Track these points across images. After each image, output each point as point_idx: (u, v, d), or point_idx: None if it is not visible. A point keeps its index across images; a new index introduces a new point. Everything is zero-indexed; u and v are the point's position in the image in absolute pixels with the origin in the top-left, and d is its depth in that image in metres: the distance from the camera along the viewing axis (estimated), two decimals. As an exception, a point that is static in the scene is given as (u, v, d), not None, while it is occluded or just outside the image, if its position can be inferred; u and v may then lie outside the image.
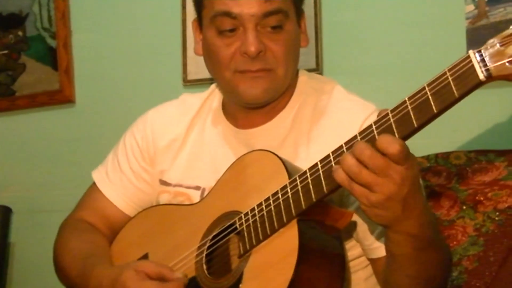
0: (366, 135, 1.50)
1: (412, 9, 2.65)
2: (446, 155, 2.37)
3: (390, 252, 1.66)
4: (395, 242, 1.61)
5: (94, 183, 2.14)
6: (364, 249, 1.82)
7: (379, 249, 1.77)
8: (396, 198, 1.49)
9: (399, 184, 1.48)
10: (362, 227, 1.78)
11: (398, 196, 1.49)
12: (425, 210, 1.58)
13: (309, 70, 2.09)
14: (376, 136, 1.48)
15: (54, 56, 3.19)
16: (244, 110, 1.96)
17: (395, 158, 1.45)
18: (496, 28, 2.46)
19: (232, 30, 1.86)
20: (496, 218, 2.19)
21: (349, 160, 1.49)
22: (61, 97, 3.19)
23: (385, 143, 1.45)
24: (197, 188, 1.97)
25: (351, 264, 1.86)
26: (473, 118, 2.50)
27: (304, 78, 1.98)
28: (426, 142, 2.33)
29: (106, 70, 3.15)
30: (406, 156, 1.46)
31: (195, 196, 1.95)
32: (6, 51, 3.28)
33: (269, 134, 1.94)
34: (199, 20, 1.96)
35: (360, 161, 1.47)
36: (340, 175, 1.51)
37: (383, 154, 1.46)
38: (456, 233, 2.23)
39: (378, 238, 1.76)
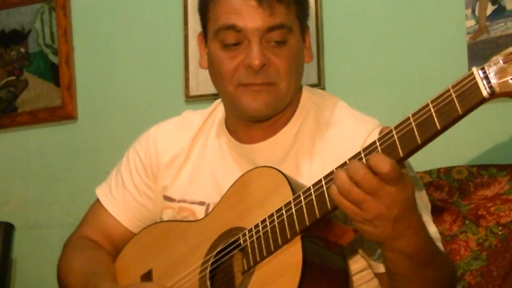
0: (370, 151, 1.51)
1: (414, 24, 2.65)
2: (448, 170, 2.37)
3: (388, 270, 1.67)
4: (389, 259, 1.61)
5: (97, 200, 2.14)
6: (369, 264, 1.82)
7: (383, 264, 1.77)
8: (385, 218, 1.50)
9: (389, 205, 1.49)
10: (368, 242, 1.78)
11: (388, 216, 1.50)
12: (420, 230, 1.58)
13: (311, 85, 2.10)
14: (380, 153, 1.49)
15: (56, 72, 3.19)
16: (246, 125, 1.97)
17: (386, 177, 1.46)
18: (496, 43, 2.47)
19: (236, 44, 1.87)
20: (499, 233, 2.19)
21: (341, 176, 1.50)
22: (63, 113, 3.19)
23: (377, 162, 1.46)
24: (202, 203, 1.97)
25: (354, 278, 1.85)
26: (475, 132, 2.50)
27: (307, 94, 1.99)
28: (428, 157, 2.33)
29: (108, 86, 3.16)
30: (397, 177, 1.47)
31: (199, 212, 1.96)
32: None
33: (271, 149, 1.94)
34: (204, 33, 1.97)
35: (353, 180, 1.48)
36: (332, 191, 1.52)
37: (375, 172, 1.47)
38: (458, 247, 2.23)
39: None
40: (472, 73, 1.38)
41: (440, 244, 1.80)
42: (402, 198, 1.49)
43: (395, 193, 1.48)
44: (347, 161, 1.55)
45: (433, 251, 1.65)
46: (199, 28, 2.01)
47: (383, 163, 1.45)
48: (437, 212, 2.27)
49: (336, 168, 1.57)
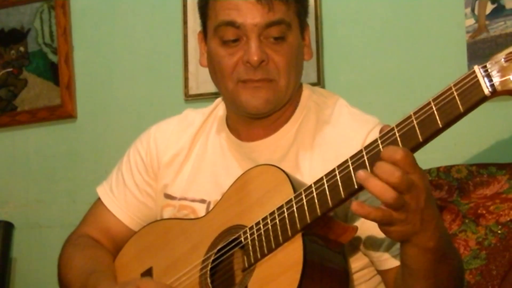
0: (372, 149, 1.51)
1: (413, 23, 2.66)
2: (447, 169, 2.37)
3: (406, 266, 1.63)
4: (413, 256, 1.58)
5: (98, 199, 2.15)
6: (373, 261, 1.82)
7: (389, 261, 1.76)
8: (415, 212, 1.47)
9: (417, 197, 1.46)
10: (370, 240, 1.78)
11: (417, 209, 1.47)
12: (440, 223, 1.56)
13: (310, 84, 2.10)
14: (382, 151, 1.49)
15: (56, 72, 3.20)
16: (246, 123, 1.97)
17: (403, 164, 1.44)
18: (496, 42, 2.47)
19: (235, 40, 1.88)
20: (498, 232, 2.19)
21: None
22: (62, 112, 3.20)
23: (390, 152, 1.44)
24: (202, 201, 1.97)
25: (354, 277, 1.86)
26: (474, 131, 2.51)
27: (307, 92, 1.99)
28: (428, 156, 2.33)
29: (107, 86, 3.16)
30: (413, 163, 1.45)
31: (200, 209, 1.96)
32: (10, 69, 3.29)
33: (271, 147, 1.95)
34: (204, 31, 1.98)
35: (389, 183, 1.44)
36: (371, 212, 1.46)
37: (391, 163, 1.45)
38: (458, 246, 2.23)
39: (387, 249, 1.76)
40: (474, 71, 1.38)
41: None
42: (426, 187, 1.47)
43: (419, 182, 1.46)
44: (349, 159, 1.54)
45: (449, 245, 1.63)
46: (198, 28, 2.02)
47: (397, 150, 1.43)
48: (436, 211, 2.28)
49: (337, 167, 1.56)
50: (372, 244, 1.78)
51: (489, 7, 2.52)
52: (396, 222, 1.48)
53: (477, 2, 2.54)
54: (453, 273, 1.66)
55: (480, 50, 2.50)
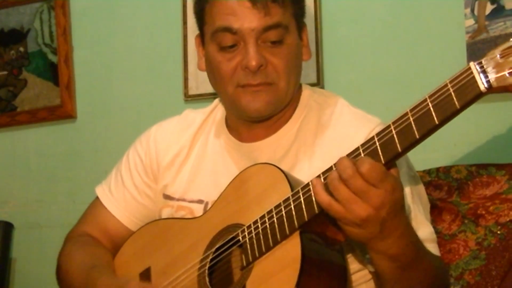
0: (368, 147, 1.51)
1: (413, 24, 2.65)
2: (447, 169, 2.37)
3: (374, 269, 1.69)
4: (374, 260, 1.63)
5: (97, 198, 2.14)
6: (365, 261, 1.82)
7: None
8: (373, 219, 1.51)
9: (377, 207, 1.50)
10: None
11: (375, 218, 1.51)
12: (407, 232, 1.60)
13: (310, 84, 2.10)
14: (378, 148, 1.49)
15: (55, 72, 3.20)
16: (247, 124, 1.97)
17: (367, 178, 1.47)
18: (495, 42, 2.47)
19: (233, 46, 1.88)
20: (498, 232, 2.19)
21: (332, 173, 1.51)
22: (62, 112, 3.20)
23: (360, 163, 1.48)
24: (200, 201, 1.97)
25: (354, 277, 1.85)
26: (473, 132, 2.50)
27: (307, 92, 1.99)
28: (427, 156, 2.34)
29: (107, 86, 3.16)
30: (380, 178, 1.48)
31: (198, 210, 1.96)
32: (6, 72, 3.29)
33: (272, 147, 1.95)
34: (202, 36, 1.97)
35: (341, 178, 1.49)
36: (320, 195, 1.53)
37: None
38: (457, 247, 2.23)
39: None
40: (470, 68, 1.39)
41: (434, 245, 1.81)
42: (391, 200, 1.51)
43: (384, 194, 1.49)
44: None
45: (419, 253, 1.66)
46: (198, 29, 2.02)
47: (364, 164, 1.47)
48: (436, 211, 2.27)
49: (334, 165, 1.57)
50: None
51: (489, 8, 2.52)
52: (352, 224, 1.53)
53: (476, 3, 2.53)
54: (427, 281, 1.68)
55: (480, 51, 2.49)
